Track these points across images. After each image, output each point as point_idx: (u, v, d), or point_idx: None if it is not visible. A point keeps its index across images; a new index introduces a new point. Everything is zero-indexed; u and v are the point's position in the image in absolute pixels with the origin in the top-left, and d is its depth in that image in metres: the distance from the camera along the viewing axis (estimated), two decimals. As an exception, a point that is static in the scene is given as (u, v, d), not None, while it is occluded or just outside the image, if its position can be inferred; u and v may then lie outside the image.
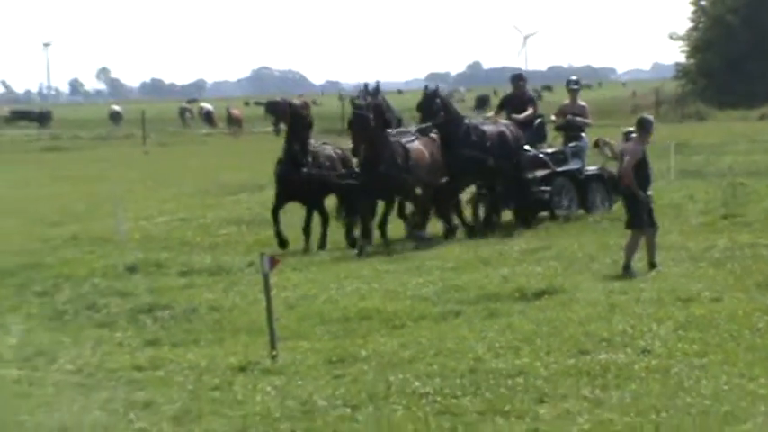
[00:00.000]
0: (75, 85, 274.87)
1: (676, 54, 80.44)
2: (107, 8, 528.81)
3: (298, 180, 19.12)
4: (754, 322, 12.35)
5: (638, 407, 9.65)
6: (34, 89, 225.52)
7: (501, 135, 20.68)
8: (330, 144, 21.04)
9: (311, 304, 14.44)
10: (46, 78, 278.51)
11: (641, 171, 16.09)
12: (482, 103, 72.36)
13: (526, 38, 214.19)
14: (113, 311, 14.44)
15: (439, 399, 10.09)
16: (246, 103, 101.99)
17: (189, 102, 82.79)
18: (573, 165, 21.97)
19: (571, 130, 22.48)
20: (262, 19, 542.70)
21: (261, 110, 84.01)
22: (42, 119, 79.68)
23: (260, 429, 9.51)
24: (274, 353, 11.68)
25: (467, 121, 21.04)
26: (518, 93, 22.54)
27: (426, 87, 21.04)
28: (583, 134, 22.54)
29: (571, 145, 22.26)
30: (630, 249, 15.79)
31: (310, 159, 19.43)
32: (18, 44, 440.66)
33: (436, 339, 12.28)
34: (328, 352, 11.98)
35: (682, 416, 9.47)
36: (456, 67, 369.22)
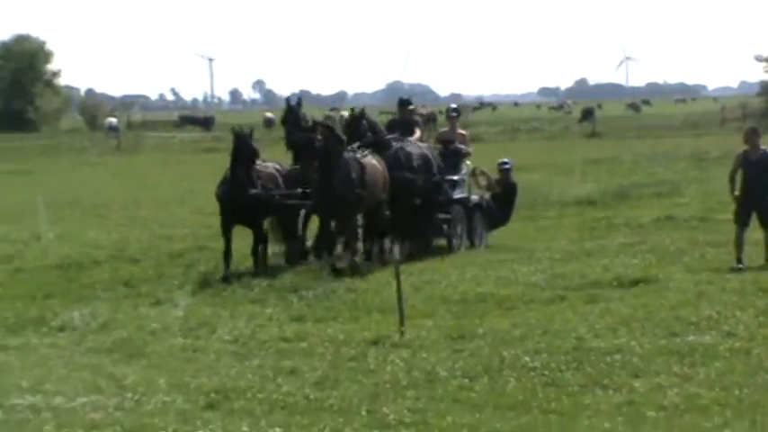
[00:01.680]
0: (235, 95, 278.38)
1: (761, 73, 77.92)
2: (264, 26, 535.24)
3: (244, 202, 16.09)
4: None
5: (722, 383, 9.52)
6: (200, 97, 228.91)
7: (425, 157, 17.89)
8: (271, 162, 17.67)
9: (435, 288, 14.43)
10: (210, 88, 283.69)
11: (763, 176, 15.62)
12: (587, 115, 71.01)
13: (627, 59, 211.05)
14: (264, 290, 14.59)
15: (546, 372, 10.05)
16: (381, 113, 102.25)
17: (331, 110, 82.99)
18: (459, 193, 18.87)
19: (452, 157, 18.92)
20: (396, 36, 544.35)
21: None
22: (207, 123, 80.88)
23: (389, 396, 9.50)
24: (402, 329, 11.70)
25: (393, 143, 17.86)
26: (404, 117, 19.24)
27: (352, 110, 19.01)
28: (467, 162, 19.27)
29: (461, 173, 18.99)
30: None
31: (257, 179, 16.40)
32: (186, 58, 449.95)
33: (544, 320, 12.22)
34: (449, 329, 11.99)
35: (762, 392, 9.37)
36: (565, 82, 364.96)
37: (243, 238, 16.58)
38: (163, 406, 9.34)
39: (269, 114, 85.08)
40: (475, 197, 19.07)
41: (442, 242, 18.31)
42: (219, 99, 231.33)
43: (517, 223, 20.56)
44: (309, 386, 9.86)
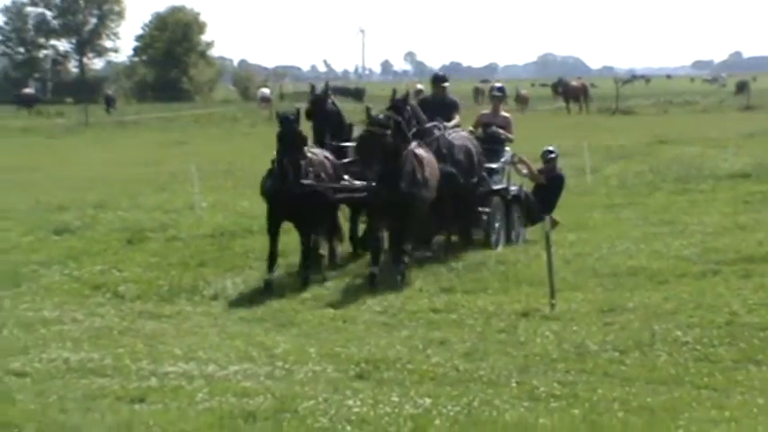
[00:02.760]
0: (386, 66, 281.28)
1: None
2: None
3: (293, 195, 13.89)
4: None
5: None
6: (351, 69, 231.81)
7: (466, 149, 15.76)
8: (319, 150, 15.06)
9: (585, 261, 14.41)
10: (361, 60, 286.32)
11: None
12: (742, 88, 69.50)
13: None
14: (414, 262, 14.59)
15: (698, 347, 9.99)
16: (533, 85, 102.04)
17: (482, 82, 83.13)
18: (498, 182, 16.77)
19: (492, 143, 16.84)
20: (546, 7, 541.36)
21: (545, 90, 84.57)
22: (358, 94, 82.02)
23: (539, 368, 9.54)
24: (553, 302, 11.72)
25: (435, 131, 15.59)
26: (439, 96, 16.78)
27: (394, 92, 15.80)
28: (507, 149, 17.15)
29: (501, 161, 16.92)
30: None
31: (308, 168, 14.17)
32: (339, 30, 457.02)
33: (696, 294, 12.10)
34: (600, 302, 11.99)
35: None
36: (719, 55, 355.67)
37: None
38: (313, 375, 9.54)
39: (419, 86, 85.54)
40: (514, 188, 17.01)
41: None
42: (370, 70, 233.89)
43: (670, 196, 20.32)
44: (459, 357, 9.98)
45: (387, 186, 13.71)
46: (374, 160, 13.85)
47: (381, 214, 14.10)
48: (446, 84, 16.90)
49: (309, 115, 15.37)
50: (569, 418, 8.23)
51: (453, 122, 16.26)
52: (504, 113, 17.85)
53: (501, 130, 17.06)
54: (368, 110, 14.82)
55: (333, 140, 15.36)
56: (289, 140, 13.91)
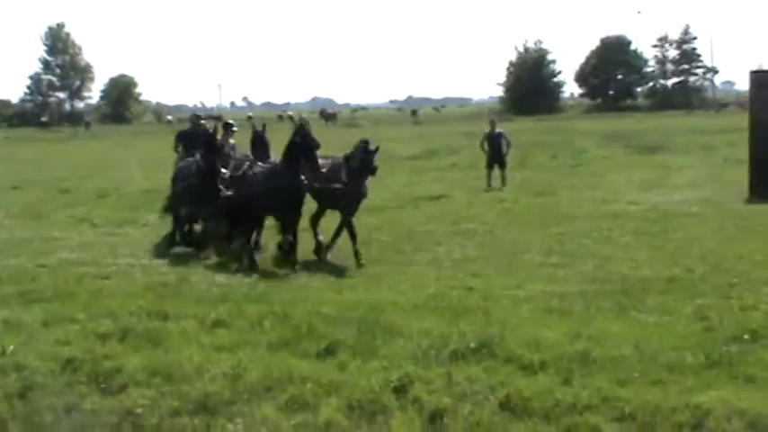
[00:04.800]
0: (232, 104, 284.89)
1: None
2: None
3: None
4: None
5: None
6: (215, 105, 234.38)
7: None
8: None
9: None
10: (219, 100, 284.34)
11: None
12: (414, 112, 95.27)
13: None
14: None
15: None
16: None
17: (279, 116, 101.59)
18: None
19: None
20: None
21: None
22: (218, 118, 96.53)
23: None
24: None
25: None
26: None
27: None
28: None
29: None
30: None
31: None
32: (205, 83, 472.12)
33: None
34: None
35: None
36: (403, 95, 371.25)
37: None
38: (199, 261, 16.76)
39: (230, 121, 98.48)
40: None
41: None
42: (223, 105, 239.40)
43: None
44: None
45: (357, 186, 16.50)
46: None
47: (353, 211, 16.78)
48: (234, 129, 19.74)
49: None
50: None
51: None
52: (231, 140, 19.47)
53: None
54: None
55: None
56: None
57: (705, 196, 24.13)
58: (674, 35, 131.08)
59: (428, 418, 8.07)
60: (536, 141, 50.54)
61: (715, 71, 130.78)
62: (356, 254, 15.94)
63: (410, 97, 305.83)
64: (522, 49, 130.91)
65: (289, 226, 16.30)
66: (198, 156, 17.57)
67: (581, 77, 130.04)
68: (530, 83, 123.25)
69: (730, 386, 8.24)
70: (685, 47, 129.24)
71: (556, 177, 31.28)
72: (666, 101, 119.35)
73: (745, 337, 9.79)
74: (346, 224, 16.48)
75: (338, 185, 16.24)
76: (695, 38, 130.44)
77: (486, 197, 25.88)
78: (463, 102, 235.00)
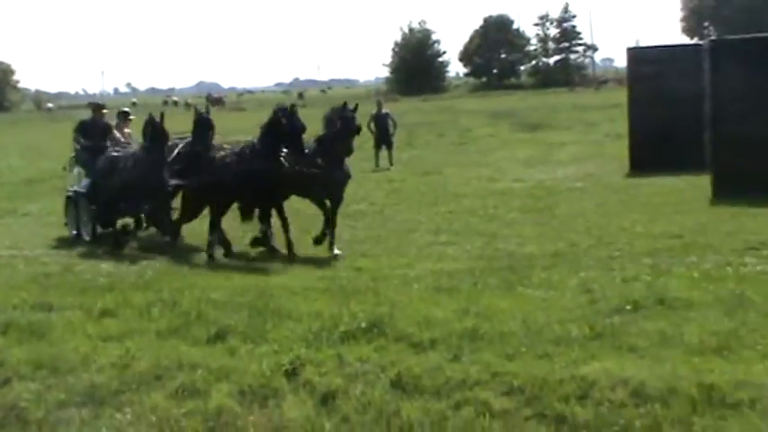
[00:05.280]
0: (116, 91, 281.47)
1: None
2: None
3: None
4: None
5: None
6: (98, 91, 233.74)
7: None
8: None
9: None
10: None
11: None
12: (302, 95, 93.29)
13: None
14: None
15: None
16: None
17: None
18: None
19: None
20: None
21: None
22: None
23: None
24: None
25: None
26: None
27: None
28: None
29: None
30: None
31: None
32: (89, 69, 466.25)
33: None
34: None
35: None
36: (289, 77, 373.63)
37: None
38: (85, 248, 16.74)
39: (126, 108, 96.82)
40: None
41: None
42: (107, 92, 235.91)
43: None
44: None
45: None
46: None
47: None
48: (105, 110, 19.01)
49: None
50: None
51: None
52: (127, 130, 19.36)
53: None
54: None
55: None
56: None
57: (587, 171, 24.61)
58: (555, 14, 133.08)
59: (320, 399, 8.08)
60: (422, 121, 50.98)
61: (595, 48, 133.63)
62: (331, 245, 15.01)
63: (296, 80, 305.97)
64: (406, 30, 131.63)
65: (266, 214, 15.58)
66: (126, 147, 17.67)
67: (465, 57, 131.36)
68: (415, 63, 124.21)
69: (614, 356, 8.41)
70: (565, 25, 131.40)
71: (442, 156, 31.59)
72: (549, 78, 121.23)
73: (628, 308, 10.01)
74: (332, 214, 15.33)
75: (318, 170, 15.01)
76: (574, 16, 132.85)
77: (375, 177, 25.99)
78: (350, 83, 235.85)
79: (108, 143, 18.15)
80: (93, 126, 18.57)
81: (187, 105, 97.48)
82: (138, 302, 11.49)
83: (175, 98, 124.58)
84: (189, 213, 16.48)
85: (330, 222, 15.22)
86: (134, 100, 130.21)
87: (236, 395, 8.21)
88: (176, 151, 16.56)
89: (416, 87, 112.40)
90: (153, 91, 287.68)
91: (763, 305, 9.88)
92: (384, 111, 30.57)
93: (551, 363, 8.36)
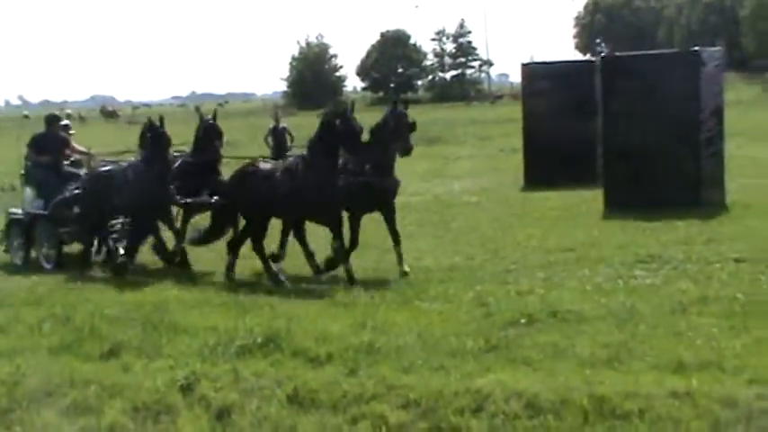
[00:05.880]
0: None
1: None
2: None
3: None
4: None
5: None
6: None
7: None
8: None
9: None
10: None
11: None
12: (197, 109, 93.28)
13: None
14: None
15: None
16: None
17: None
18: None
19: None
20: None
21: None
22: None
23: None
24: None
25: None
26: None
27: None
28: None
29: None
30: None
31: None
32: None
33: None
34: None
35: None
36: (186, 91, 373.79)
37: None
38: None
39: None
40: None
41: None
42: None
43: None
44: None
45: None
46: None
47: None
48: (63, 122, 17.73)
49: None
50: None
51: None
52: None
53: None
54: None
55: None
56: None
57: (483, 185, 24.89)
58: (451, 29, 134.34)
59: (215, 415, 8.01)
60: (320, 135, 50.85)
61: (490, 64, 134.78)
62: (400, 261, 13.67)
63: (193, 93, 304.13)
64: (303, 44, 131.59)
65: (336, 229, 13.45)
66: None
67: (363, 71, 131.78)
68: (312, 77, 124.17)
69: (508, 369, 8.51)
70: (461, 40, 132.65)
71: (341, 170, 31.48)
72: (446, 93, 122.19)
73: (522, 321, 10.14)
74: (390, 228, 14.02)
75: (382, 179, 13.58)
76: (470, 32, 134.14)
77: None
78: (247, 97, 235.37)
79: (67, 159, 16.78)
80: (47, 140, 16.77)
81: (81, 119, 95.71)
82: (29, 319, 11.29)
83: (68, 111, 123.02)
84: (217, 232, 14.99)
85: (393, 237, 13.94)
86: (26, 113, 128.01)
87: (129, 412, 8.11)
88: (178, 162, 15.06)
89: (314, 101, 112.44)
90: (46, 104, 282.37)
91: (652, 317, 10.10)
92: (282, 125, 30.51)
93: (447, 375, 8.42)
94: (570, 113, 24.53)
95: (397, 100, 14.60)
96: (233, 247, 14.06)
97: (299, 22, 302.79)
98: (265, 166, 14.11)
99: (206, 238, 15.02)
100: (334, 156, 13.18)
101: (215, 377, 8.69)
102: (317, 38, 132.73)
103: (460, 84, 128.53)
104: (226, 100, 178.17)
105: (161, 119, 14.52)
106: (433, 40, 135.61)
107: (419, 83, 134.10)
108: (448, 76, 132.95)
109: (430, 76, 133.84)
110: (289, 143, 29.72)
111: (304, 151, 13.71)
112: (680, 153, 18.85)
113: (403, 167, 14.83)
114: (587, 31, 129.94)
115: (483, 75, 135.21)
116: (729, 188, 19.63)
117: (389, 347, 9.31)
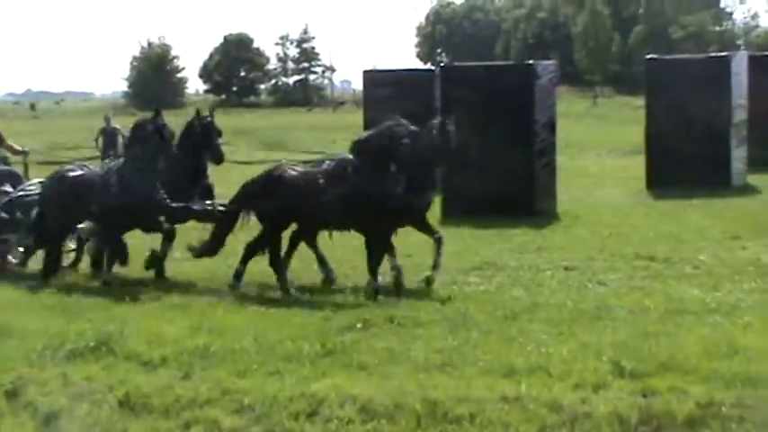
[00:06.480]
0: None
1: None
2: None
3: None
4: None
5: None
6: None
7: None
8: None
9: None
10: None
11: None
12: (32, 107, 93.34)
13: None
14: None
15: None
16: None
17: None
18: None
19: None
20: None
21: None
22: None
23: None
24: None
25: None
26: None
27: None
28: None
29: None
30: None
31: None
32: None
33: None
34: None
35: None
36: (21, 88, 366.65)
37: None
38: None
39: None
40: None
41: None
42: None
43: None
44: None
45: None
46: None
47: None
48: None
49: None
50: None
51: None
52: None
53: None
54: None
55: None
56: None
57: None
58: (295, 35, 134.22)
59: (43, 420, 7.76)
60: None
61: (333, 70, 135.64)
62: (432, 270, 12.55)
63: (29, 90, 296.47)
64: (145, 44, 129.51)
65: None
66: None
67: (205, 74, 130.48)
68: (153, 78, 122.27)
69: (344, 373, 8.52)
70: (305, 46, 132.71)
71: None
72: (288, 98, 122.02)
73: (359, 326, 10.17)
74: (436, 240, 12.76)
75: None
76: (314, 37, 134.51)
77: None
78: (86, 96, 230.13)
79: None
80: None
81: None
82: None
83: None
84: (222, 241, 13.47)
85: (438, 249, 12.67)
86: None
87: (-49, 418, 7.78)
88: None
89: (155, 102, 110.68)
90: None
91: (485, 323, 10.27)
92: (113, 125, 29.87)
93: (282, 380, 8.37)
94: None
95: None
96: (248, 256, 12.81)
97: (140, 23, 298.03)
98: (296, 169, 12.84)
99: (210, 248, 13.38)
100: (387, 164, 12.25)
101: (43, 382, 8.43)
102: (158, 38, 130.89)
103: (304, 89, 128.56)
104: (63, 98, 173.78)
105: (156, 111, 13.51)
106: (277, 44, 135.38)
107: (262, 87, 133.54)
108: (291, 80, 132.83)
109: (273, 81, 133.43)
110: (120, 144, 29.14)
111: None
112: (515, 163, 19.26)
113: (243, 171, 14.66)
114: (429, 41, 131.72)
115: (326, 81, 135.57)
116: (561, 198, 20.16)
117: (225, 351, 9.21)
